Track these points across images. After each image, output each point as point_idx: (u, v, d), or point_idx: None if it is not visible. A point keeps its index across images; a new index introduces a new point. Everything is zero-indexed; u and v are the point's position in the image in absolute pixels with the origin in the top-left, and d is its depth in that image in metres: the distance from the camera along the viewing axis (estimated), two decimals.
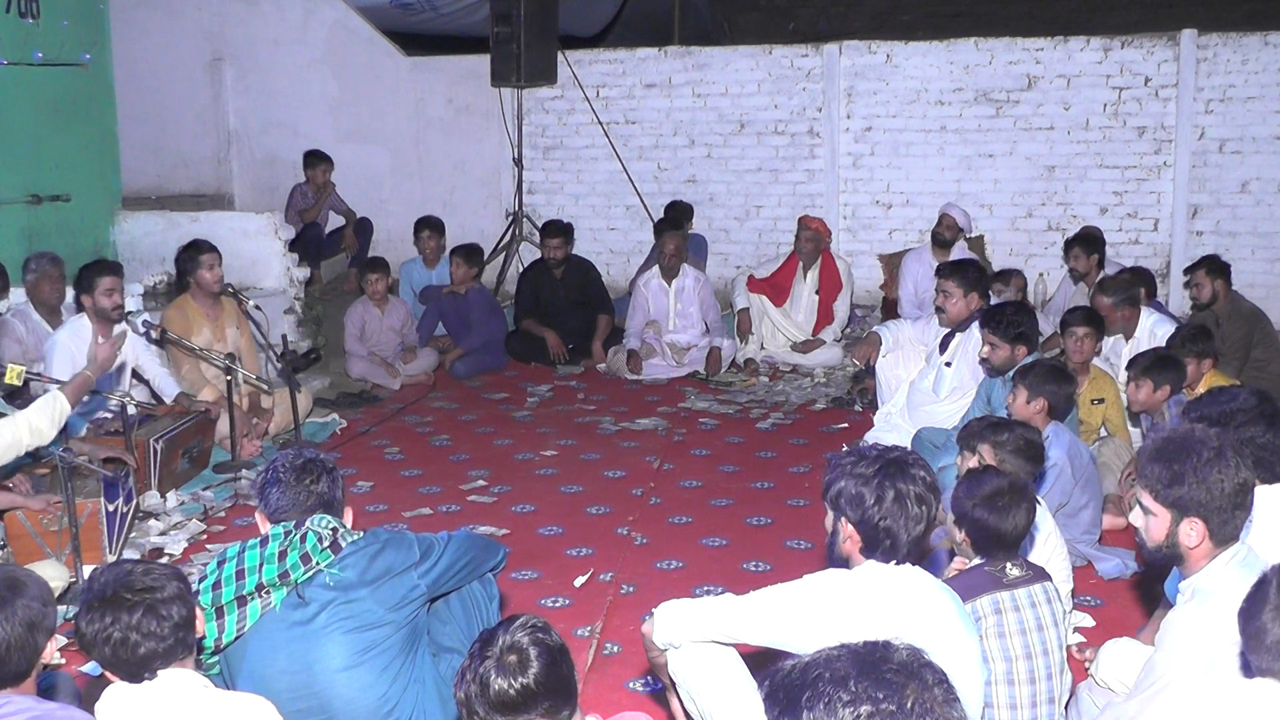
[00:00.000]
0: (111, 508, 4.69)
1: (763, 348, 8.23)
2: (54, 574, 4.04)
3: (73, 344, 5.64)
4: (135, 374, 6.02)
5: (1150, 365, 4.89)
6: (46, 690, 2.89)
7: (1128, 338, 6.07)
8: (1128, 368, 5.11)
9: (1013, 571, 3.12)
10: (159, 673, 2.43)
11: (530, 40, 9.36)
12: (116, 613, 2.40)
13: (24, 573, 2.54)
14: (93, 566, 4.36)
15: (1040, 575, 3.16)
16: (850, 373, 7.84)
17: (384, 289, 7.91)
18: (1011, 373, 4.98)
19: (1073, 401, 4.71)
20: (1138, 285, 6.25)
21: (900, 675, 1.62)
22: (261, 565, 2.90)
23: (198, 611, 2.53)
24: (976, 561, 3.21)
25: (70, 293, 6.26)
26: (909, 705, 1.59)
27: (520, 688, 2.17)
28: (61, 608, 2.95)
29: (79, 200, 7.68)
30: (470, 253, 8.35)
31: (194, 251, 6.35)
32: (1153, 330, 5.96)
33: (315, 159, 9.58)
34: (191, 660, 2.51)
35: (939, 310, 6.04)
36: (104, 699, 2.43)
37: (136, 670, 2.42)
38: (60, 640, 2.55)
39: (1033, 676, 3.01)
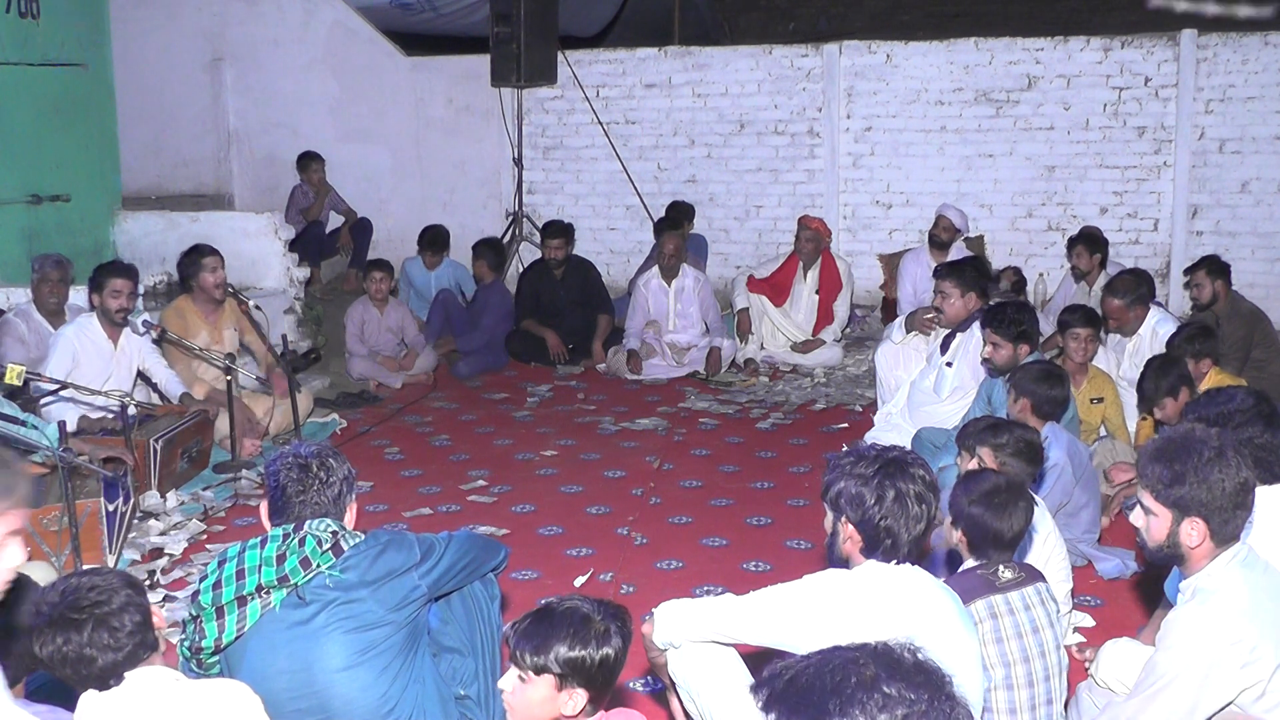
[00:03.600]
0: (111, 508, 4.69)
1: (763, 348, 8.24)
2: (41, 575, 4.04)
3: (77, 341, 5.66)
4: (141, 376, 6.02)
5: (1164, 383, 4.83)
6: (39, 690, 2.89)
7: (1131, 334, 6.07)
8: (1141, 391, 5.01)
9: (1005, 574, 3.09)
10: (125, 675, 2.42)
11: (530, 40, 9.36)
12: (67, 633, 2.36)
13: (19, 578, 2.54)
14: (91, 567, 4.37)
15: (1033, 576, 3.14)
16: (853, 376, 7.88)
17: (387, 289, 7.91)
18: (1004, 380, 4.98)
19: (1062, 403, 4.66)
20: (1145, 284, 6.25)
21: (920, 675, 1.60)
22: (260, 566, 2.90)
23: (155, 609, 2.50)
24: (969, 564, 3.20)
25: (73, 295, 6.28)
26: (935, 706, 1.57)
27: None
28: None
29: (79, 200, 7.69)
30: (481, 247, 8.43)
31: (196, 255, 6.35)
32: (1155, 329, 5.96)
33: (307, 159, 9.63)
34: (158, 656, 2.49)
35: (937, 311, 6.03)
36: (80, 707, 2.43)
37: (101, 680, 2.40)
38: None
39: (1031, 679, 2.99)
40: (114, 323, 5.74)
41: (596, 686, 2.39)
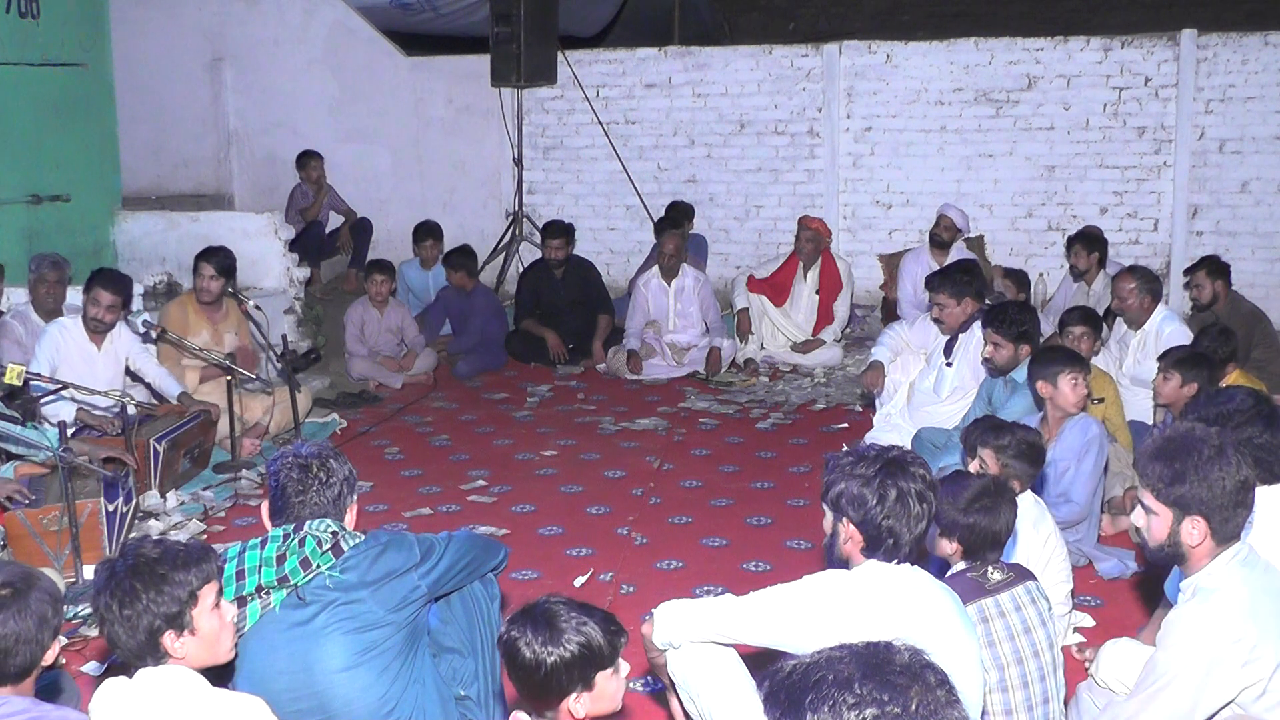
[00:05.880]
0: (111, 508, 4.69)
1: (763, 348, 8.24)
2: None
3: (60, 338, 5.68)
4: (135, 375, 6.01)
5: (1183, 360, 4.80)
6: (48, 690, 2.89)
7: (1137, 328, 6.05)
8: (1160, 358, 5.01)
9: (994, 575, 3.09)
10: (143, 669, 2.44)
11: (530, 40, 9.36)
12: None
13: (36, 570, 2.54)
14: (92, 566, 4.37)
15: (1022, 575, 3.13)
16: (853, 376, 7.86)
17: (387, 291, 7.90)
18: (1022, 367, 4.99)
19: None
20: (1158, 281, 6.24)
21: (904, 677, 1.61)
22: (260, 567, 2.90)
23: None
24: (960, 567, 3.19)
25: (71, 295, 6.28)
26: (913, 708, 1.58)
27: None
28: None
29: (79, 200, 7.69)
30: (454, 258, 8.36)
31: (200, 258, 6.38)
32: (1160, 327, 5.95)
33: (306, 158, 9.64)
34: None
35: (937, 321, 6.02)
36: (96, 696, 2.43)
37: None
38: (62, 640, 2.55)
39: (1025, 680, 2.99)
40: (90, 329, 5.74)
41: (515, 681, 2.36)
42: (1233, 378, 5.22)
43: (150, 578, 2.43)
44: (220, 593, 2.56)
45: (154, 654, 2.44)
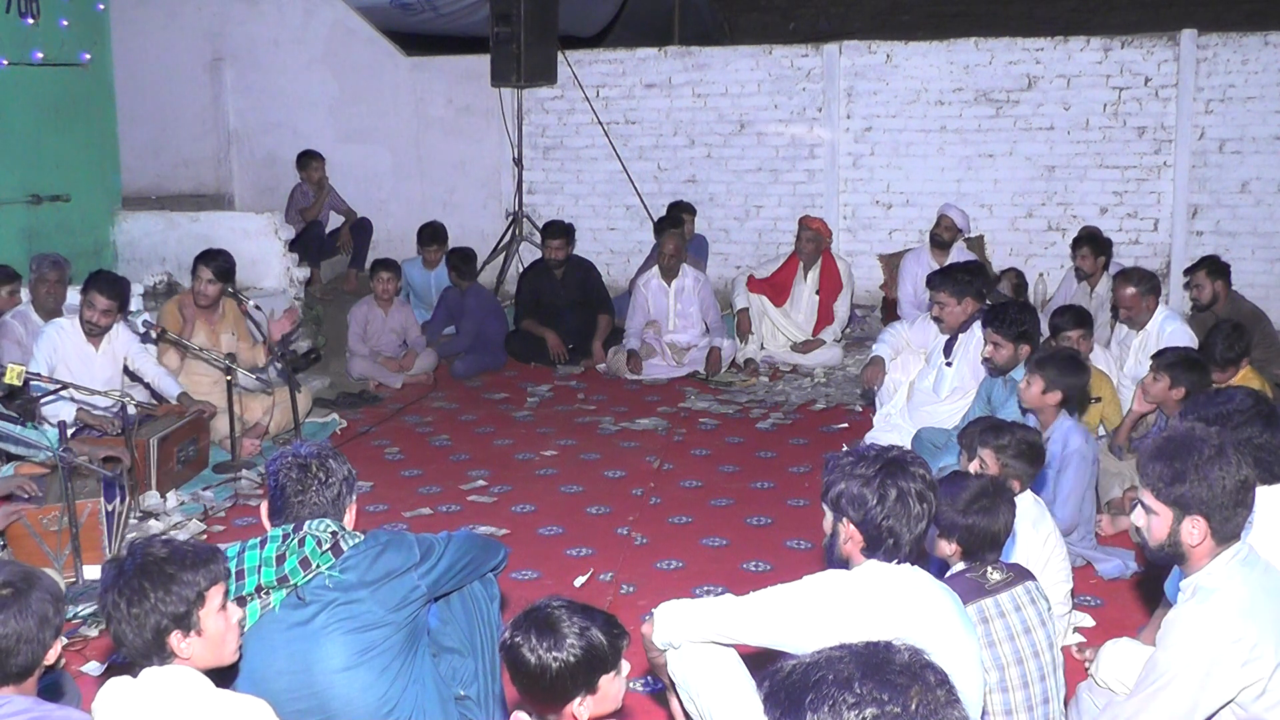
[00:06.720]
0: (110, 508, 4.69)
1: (763, 348, 8.24)
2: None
3: (59, 338, 5.67)
4: (134, 375, 6.01)
5: (1175, 363, 4.79)
6: (50, 692, 2.88)
7: (1139, 329, 6.05)
8: (1154, 356, 5.00)
9: (994, 576, 3.09)
10: (148, 669, 2.44)
11: (530, 40, 9.36)
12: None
13: (37, 570, 2.54)
14: (93, 566, 4.38)
15: (1021, 576, 3.13)
16: (853, 376, 7.85)
17: (394, 289, 7.91)
18: (1024, 363, 4.99)
19: (1086, 394, 4.73)
20: (1157, 278, 6.25)
21: (904, 677, 1.62)
22: (260, 567, 2.90)
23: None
24: (959, 567, 3.20)
25: (71, 295, 6.28)
26: (913, 707, 1.58)
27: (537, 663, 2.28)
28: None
29: (79, 200, 7.69)
30: (451, 258, 8.41)
31: (199, 261, 6.35)
32: (1162, 326, 5.95)
33: (307, 158, 9.63)
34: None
35: (937, 320, 6.02)
36: (100, 695, 2.43)
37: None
38: (63, 640, 2.55)
39: (1025, 680, 2.99)
40: (86, 332, 5.73)
41: (518, 686, 2.34)
42: (1243, 374, 5.21)
43: (159, 577, 2.43)
44: (227, 594, 2.56)
45: (160, 654, 2.44)
